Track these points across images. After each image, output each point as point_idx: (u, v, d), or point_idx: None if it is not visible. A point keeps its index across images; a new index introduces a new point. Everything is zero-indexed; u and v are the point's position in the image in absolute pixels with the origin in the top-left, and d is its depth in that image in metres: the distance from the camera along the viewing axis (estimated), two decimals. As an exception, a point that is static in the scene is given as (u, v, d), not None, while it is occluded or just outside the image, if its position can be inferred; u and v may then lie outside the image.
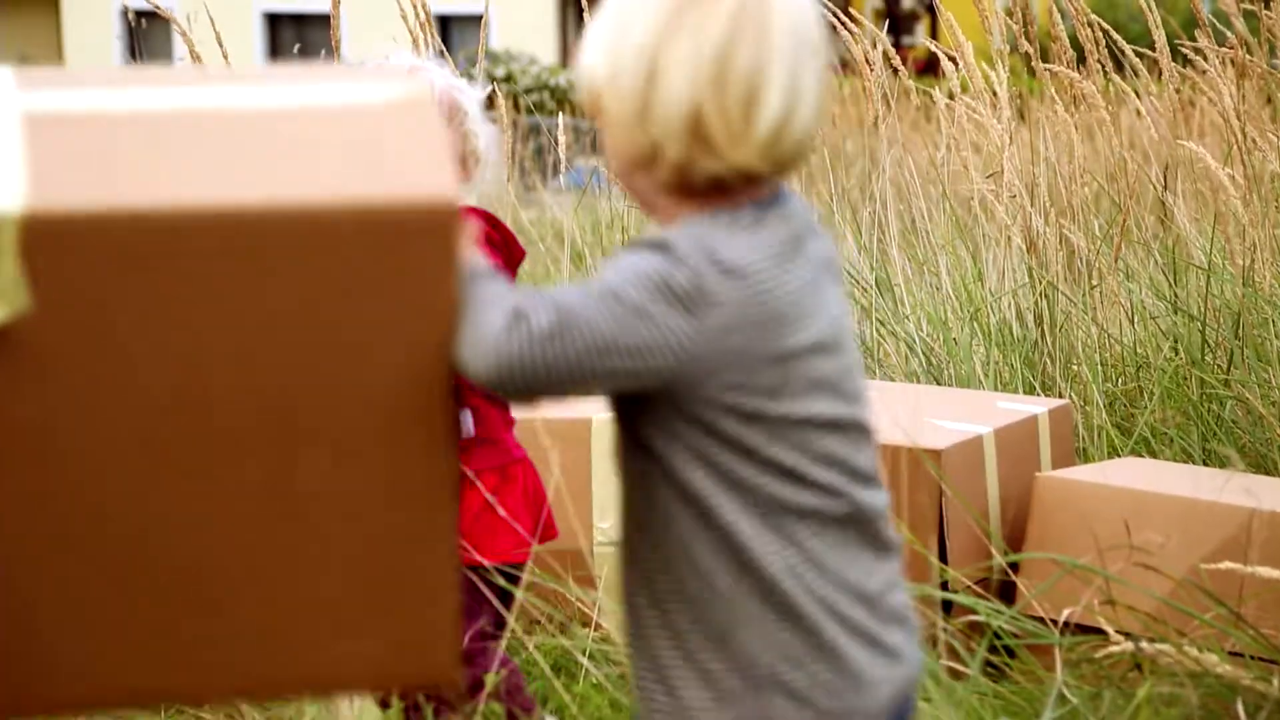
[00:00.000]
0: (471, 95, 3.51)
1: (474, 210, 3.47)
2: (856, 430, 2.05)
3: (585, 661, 4.09)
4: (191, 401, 1.87)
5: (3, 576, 1.86)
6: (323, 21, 31.59)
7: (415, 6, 5.71)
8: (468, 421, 3.46)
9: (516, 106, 13.03)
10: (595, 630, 4.18)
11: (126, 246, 1.83)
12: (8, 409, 1.83)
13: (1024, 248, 5.66)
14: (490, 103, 4.92)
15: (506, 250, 3.51)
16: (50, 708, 1.93)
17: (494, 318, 1.86)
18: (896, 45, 33.06)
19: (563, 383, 1.86)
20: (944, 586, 3.91)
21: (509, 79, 30.16)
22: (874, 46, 6.12)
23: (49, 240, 1.82)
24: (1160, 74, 6.25)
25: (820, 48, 2.00)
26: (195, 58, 5.66)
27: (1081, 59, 5.86)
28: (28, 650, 1.88)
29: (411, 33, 5.71)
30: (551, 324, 1.84)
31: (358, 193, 1.88)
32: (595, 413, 4.50)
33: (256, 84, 2.08)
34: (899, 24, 36.58)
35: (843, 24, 6.25)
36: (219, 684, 1.96)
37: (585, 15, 5.83)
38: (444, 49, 5.90)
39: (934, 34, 30.75)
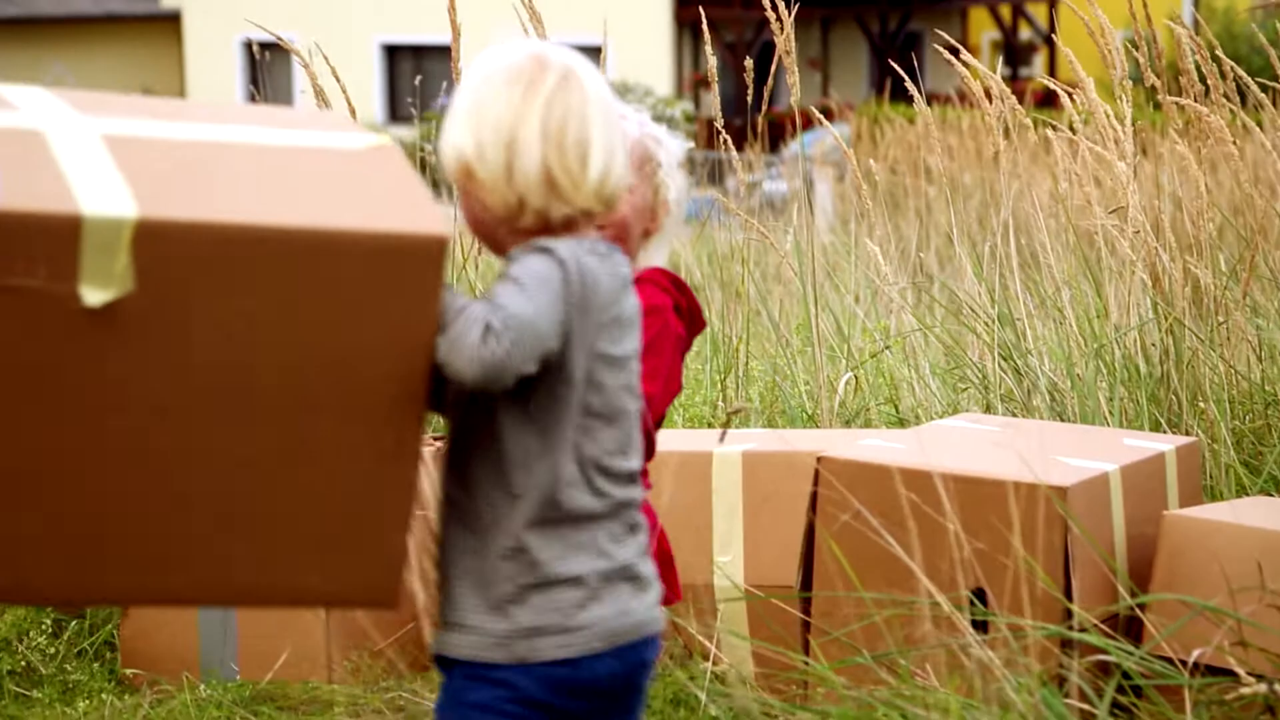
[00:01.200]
0: (670, 146, 3.49)
1: (663, 274, 3.45)
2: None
3: (703, 696, 4.07)
4: (233, 368, 2.48)
5: (83, 487, 2.45)
6: (440, 53, 31.84)
7: (539, 37, 5.73)
8: None
9: (633, 138, 13.01)
10: (713, 664, 4.15)
11: (201, 248, 2.45)
12: (103, 362, 2.43)
13: (1149, 283, 5.59)
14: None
15: (690, 320, 3.49)
16: (104, 597, 2.69)
17: (470, 330, 2.48)
18: (1014, 77, 32.94)
19: (521, 368, 2.50)
20: (1069, 626, 3.85)
21: (624, 111, 30.25)
22: (993, 78, 6.07)
23: (151, 240, 2.43)
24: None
25: (616, 110, 2.70)
26: (317, 91, 5.70)
27: (1205, 91, 5.79)
28: (93, 548, 2.48)
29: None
30: (510, 332, 2.48)
31: (374, 223, 2.53)
32: (715, 447, 4.48)
33: (268, 124, 2.73)
34: (1016, 56, 36.42)
35: (959, 57, 6.20)
36: (216, 588, 2.58)
37: (702, 46, 5.84)
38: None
39: (1052, 66, 30.58)
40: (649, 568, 2.66)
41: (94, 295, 2.43)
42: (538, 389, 2.55)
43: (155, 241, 2.43)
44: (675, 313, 3.43)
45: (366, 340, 2.51)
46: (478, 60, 2.71)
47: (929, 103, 6.72)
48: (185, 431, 2.48)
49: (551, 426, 2.58)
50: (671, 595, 3.56)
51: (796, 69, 5.50)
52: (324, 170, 2.63)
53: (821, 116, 6.05)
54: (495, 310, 2.48)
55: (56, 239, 2.40)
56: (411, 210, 2.57)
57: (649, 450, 3.46)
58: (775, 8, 5.56)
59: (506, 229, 2.63)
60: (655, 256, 3.46)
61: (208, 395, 2.48)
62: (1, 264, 2.37)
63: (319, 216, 2.53)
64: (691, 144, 3.70)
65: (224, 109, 2.78)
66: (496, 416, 2.57)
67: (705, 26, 6.06)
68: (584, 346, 2.57)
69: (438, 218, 2.54)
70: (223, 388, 2.48)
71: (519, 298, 2.50)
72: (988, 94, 6.05)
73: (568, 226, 2.63)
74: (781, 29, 5.50)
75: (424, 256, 2.51)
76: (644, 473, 3.52)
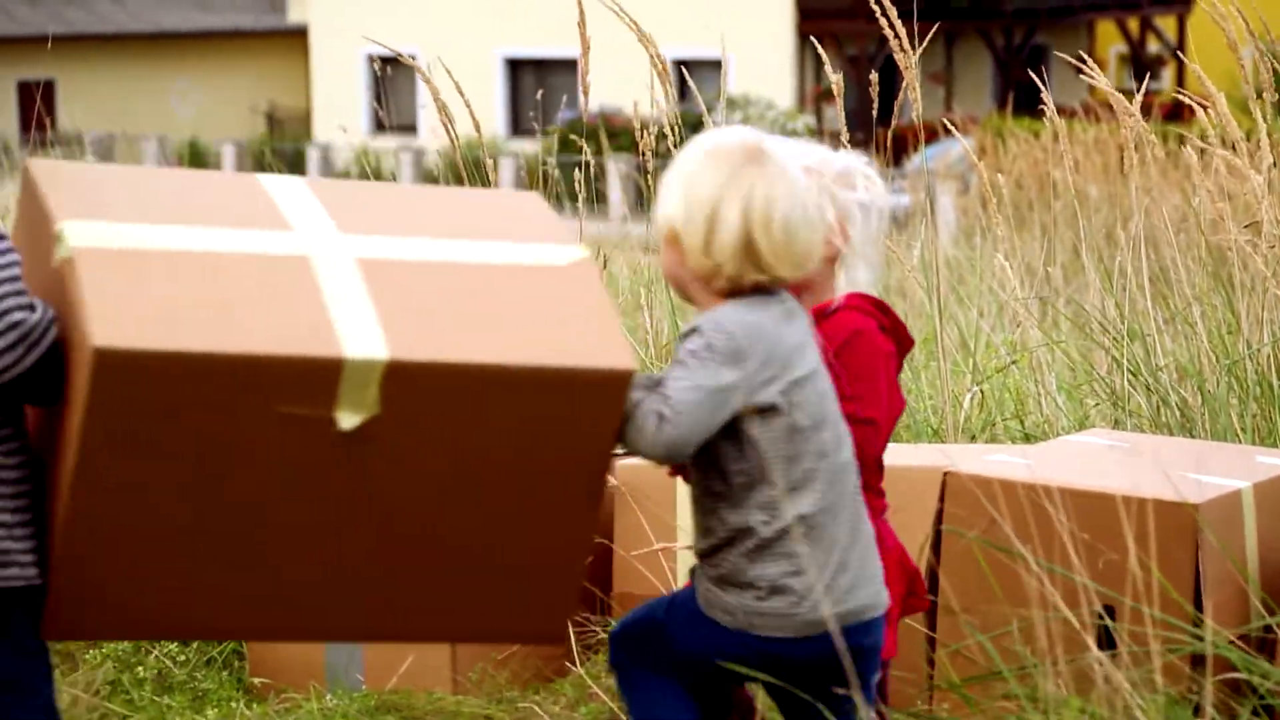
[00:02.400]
0: (849, 170, 3.55)
1: (862, 298, 3.50)
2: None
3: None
4: (452, 470, 3.10)
5: (324, 558, 3.08)
6: (564, 66, 31.95)
7: (654, 54, 5.72)
8: None
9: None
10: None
11: (435, 382, 3.05)
12: (350, 467, 3.04)
13: (1282, 297, 5.51)
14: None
15: (896, 336, 3.54)
16: (330, 637, 3.76)
17: (646, 423, 3.06)
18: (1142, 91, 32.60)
19: (691, 442, 3.06)
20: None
21: (746, 123, 30.26)
22: (1115, 95, 6.00)
23: (397, 377, 3.01)
24: None
25: (808, 181, 3.20)
26: (440, 105, 5.72)
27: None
28: (330, 600, 3.12)
29: (654, 80, 5.73)
30: (679, 415, 3.03)
31: (575, 359, 3.09)
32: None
33: (487, 234, 3.29)
34: (1144, 68, 36.08)
35: (1086, 69, 6.14)
36: (419, 630, 3.36)
37: (823, 60, 5.81)
38: (680, 94, 5.91)
39: (1181, 79, 30.25)
40: None
41: (348, 420, 3.01)
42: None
43: (400, 377, 3.01)
44: (883, 332, 3.49)
45: (560, 445, 3.11)
46: (697, 140, 3.20)
47: (1059, 115, 6.66)
48: (407, 515, 3.09)
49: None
50: (919, 603, 3.64)
51: (918, 83, 5.46)
52: (532, 293, 3.19)
53: (951, 127, 6.00)
54: (664, 400, 3.04)
55: (323, 378, 2.98)
56: (605, 340, 3.13)
57: (880, 470, 3.54)
58: (893, 24, 5.53)
59: (700, 285, 3.15)
60: (856, 281, 3.52)
61: (429, 490, 3.09)
62: (280, 395, 2.96)
63: (529, 352, 3.09)
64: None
65: (446, 205, 3.48)
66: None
67: (823, 40, 6.03)
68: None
69: (624, 347, 3.13)
70: (442, 484, 3.10)
71: (683, 381, 3.05)
72: (1113, 107, 5.99)
73: (756, 289, 3.11)
74: (900, 44, 5.47)
75: (614, 386, 3.09)
76: (881, 492, 3.51)
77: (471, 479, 3.10)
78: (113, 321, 2.89)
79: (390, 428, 3.03)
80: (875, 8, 5.51)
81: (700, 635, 3.19)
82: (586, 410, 3.08)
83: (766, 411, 3.08)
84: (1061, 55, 7.05)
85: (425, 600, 3.16)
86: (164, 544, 3.00)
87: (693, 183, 3.12)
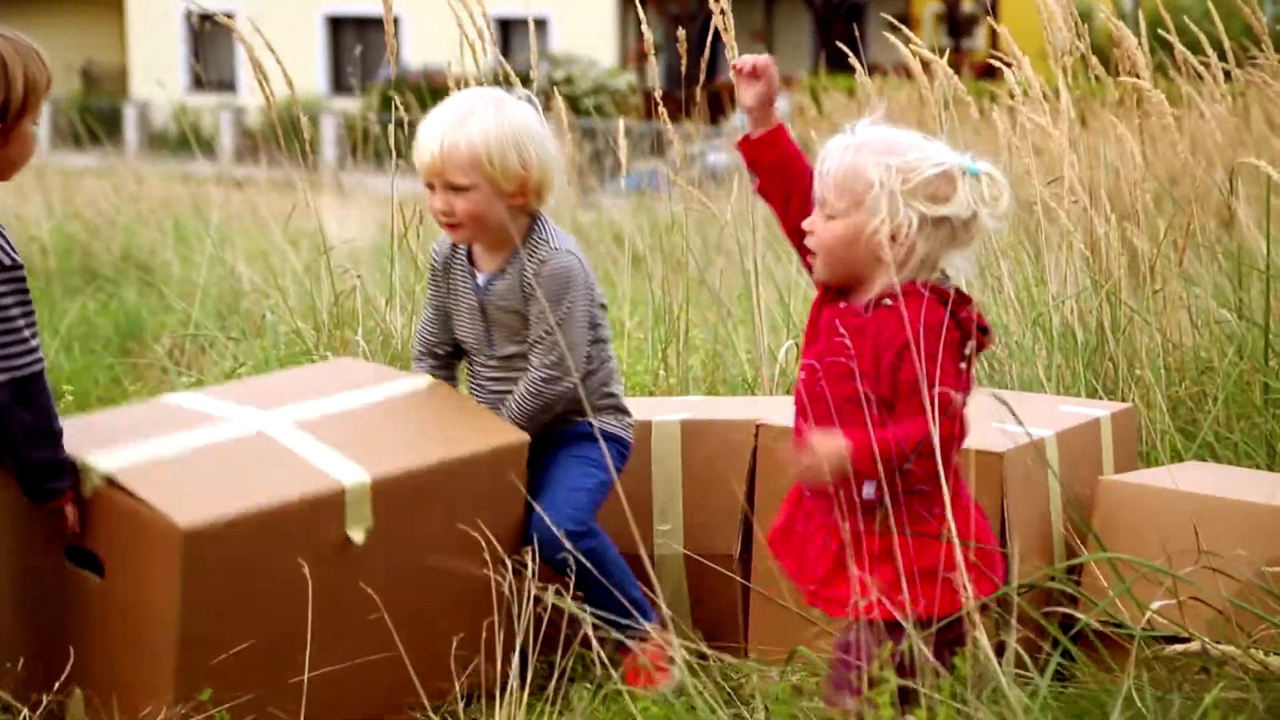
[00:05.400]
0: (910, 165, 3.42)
1: (915, 285, 3.39)
2: None
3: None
4: (424, 548, 4.02)
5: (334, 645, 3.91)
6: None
7: (471, 13, 5.72)
8: (868, 487, 3.37)
9: (575, 110, 13.03)
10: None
11: (404, 486, 3.98)
12: (358, 569, 3.92)
13: (1087, 252, 5.64)
14: (548, 105, 4.91)
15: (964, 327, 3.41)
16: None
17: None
18: (956, 49, 32.97)
19: None
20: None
21: (569, 81, 30.17)
22: (933, 52, 6.09)
23: (378, 491, 3.93)
24: (1225, 77, 6.22)
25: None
26: (255, 64, 5.68)
27: (1148, 64, 5.82)
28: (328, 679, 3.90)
29: (468, 39, 5.73)
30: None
31: (489, 442, 4.12)
32: (654, 416, 4.50)
33: (347, 390, 4.23)
34: (959, 28, 36.49)
35: (899, 31, 6.23)
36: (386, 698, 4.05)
37: (643, 19, 5.84)
38: (503, 53, 5.91)
39: (995, 37, 30.63)
40: None
41: (357, 535, 3.90)
42: None
43: (382, 490, 3.93)
44: (957, 323, 3.37)
45: (496, 506, 4.08)
46: None
47: (872, 74, 6.75)
48: (394, 591, 3.94)
49: None
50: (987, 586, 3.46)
51: (735, 42, 5.52)
52: (424, 412, 4.22)
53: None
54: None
55: (334, 505, 3.88)
56: (492, 425, 4.17)
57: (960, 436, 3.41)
58: (712, -17, 5.56)
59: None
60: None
61: (408, 569, 3.98)
62: (313, 527, 3.84)
63: (461, 446, 4.08)
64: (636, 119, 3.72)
65: (307, 378, 4.48)
66: None
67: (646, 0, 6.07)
68: None
69: (508, 427, 4.17)
70: (416, 563, 4.00)
71: None
72: (927, 67, 6.08)
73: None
74: (718, 4, 5.51)
75: (519, 453, 4.13)
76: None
77: (437, 549, 3.98)
78: (180, 509, 3.71)
79: (381, 533, 3.92)
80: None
81: None
82: (502, 476, 4.06)
83: None
84: (883, 15, 7.13)
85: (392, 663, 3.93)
86: (237, 657, 3.78)
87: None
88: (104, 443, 3.92)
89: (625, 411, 4.35)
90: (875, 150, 3.38)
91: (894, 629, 3.30)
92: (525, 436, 4.12)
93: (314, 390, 4.21)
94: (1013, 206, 3.48)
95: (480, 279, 4.28)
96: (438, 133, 4.16)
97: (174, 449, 3.94)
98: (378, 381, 4.27)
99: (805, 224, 3.47)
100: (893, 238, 3.35)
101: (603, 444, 4.16)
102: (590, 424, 4.22)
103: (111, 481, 3.79)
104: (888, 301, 3.37)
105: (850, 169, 3.37)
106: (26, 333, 3.71)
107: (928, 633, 3.28)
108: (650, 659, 4.01)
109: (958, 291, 3.42)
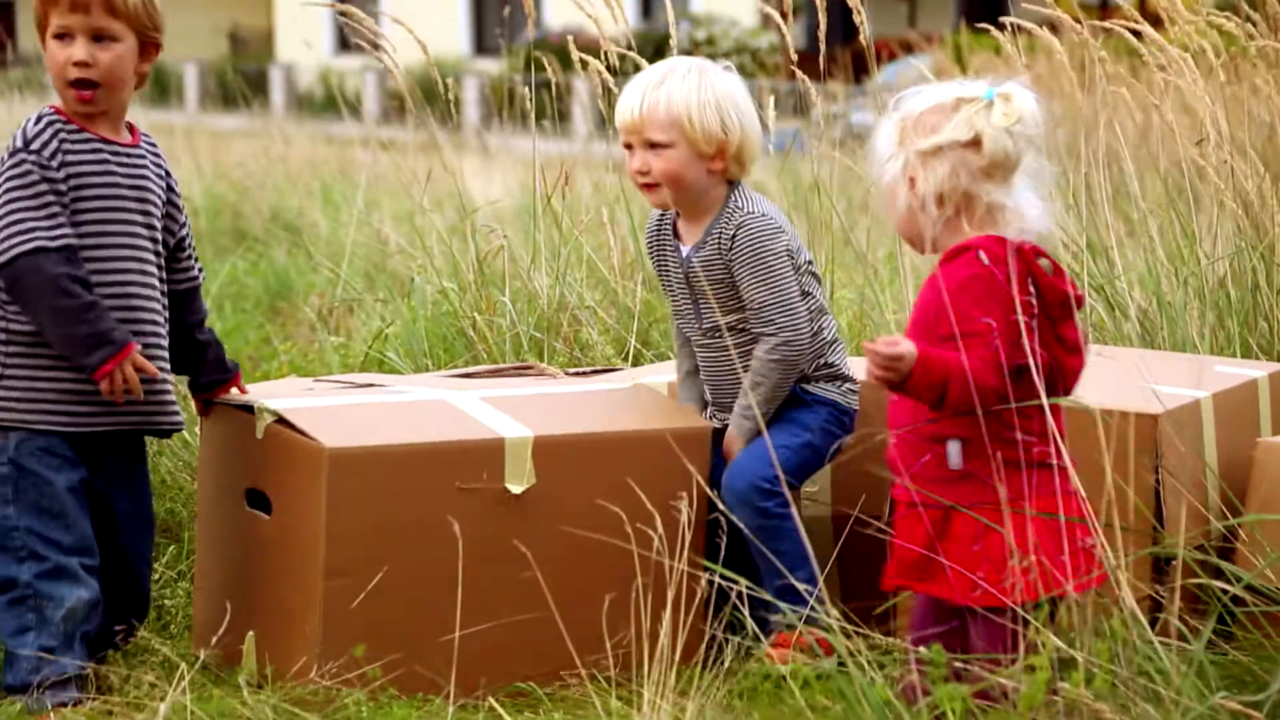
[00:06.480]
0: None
1: (998, 243, 3.37)
2: None
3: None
4: (583, 516, 4.02)
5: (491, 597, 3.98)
6: (525, -13, 31.74)
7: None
8: (954, 454, 3.40)
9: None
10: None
11: (572, 450, 4.08)
12: (518, 524, 3.99)
13: (1239, 210, 5.54)
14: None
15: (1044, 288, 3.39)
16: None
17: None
18: (1104, 4, 32.54)
19: None
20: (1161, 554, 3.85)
21: (710, 42, 30.11)
22: (1083, 9, 6.00)
23: (542, 449, 4.02)
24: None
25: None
26: (378, 36, 5.69)
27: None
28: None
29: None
30: None
31: (659, 424, 4.19)
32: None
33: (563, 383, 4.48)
34: (1106, -16, 35.96)
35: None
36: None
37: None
38: (644, 14, 5.89)
39: (1142, -6, 30.15)
40: None
41: (516, 488, 3.98)
42: None
43: (545, 450, 4.00)
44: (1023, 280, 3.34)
45: (667, 487, 3.96)
46: None
47: (1017, 33, 6.66)
48: (550, 551, 3.98)
49: None
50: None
51: (860, 4, 5.47)
52: (617, 399, 4.34)
53: (899, 49, 5.99)
54: None
55: (492, 455, 3.96)
56: (678, 414, 4.28)
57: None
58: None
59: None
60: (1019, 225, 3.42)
61: (566, 533, 3.99)
62: (466, 474, 3.93)
63: (633, 422, 4.18)
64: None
65: (506, 381, 4.47)
66: None
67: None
68: None
69: (694, 416, 4.27)
70: (575, 526, 3.98)
71: None
72: (1077, 20, 5.99)
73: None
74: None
75: (698, 439, 4.15)
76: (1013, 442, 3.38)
77: (595, 522, 3.95)
78: (332, 436, 3.86)
79: (543, 493, 3.99)
80: (836, -75, 5.51)
81: None
82: (679, 461, 3.97)
83: None
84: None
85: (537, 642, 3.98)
86: (385, 599, 3.86)
87: None
88: (287, 394, 4.14)
89: (845, 378, 4.27)
90: (892, 115, 3.49)
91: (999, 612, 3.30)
92: (707, 425, 4.17)
93: (523, 383, 4.41)
94: (1037, 113, 3.46)
95: (685, 250, 4.26)
96: (639, 92, 4.16)
97: (352, 401, 4.13)
98: (592, 382, 4.50)
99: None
100: (912, 184, 3.43)
101: (816, 410, 4.18)
102: (802, 389, 4.21)
103: (280, 419, 3.96)
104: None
105: (877, 139, 3.50)
106: (24, 215, 3.74)
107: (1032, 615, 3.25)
108: (799, 644, 3.93)
109: (1033, 248, 3.40)
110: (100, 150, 3.86)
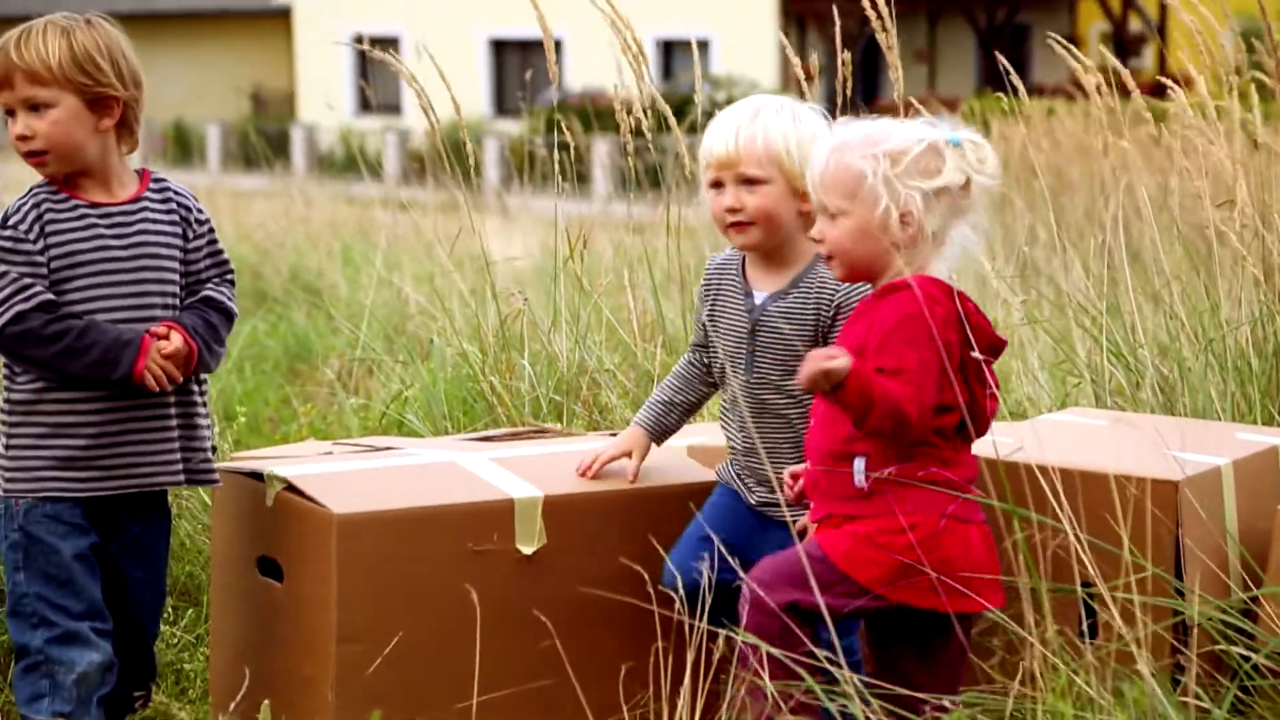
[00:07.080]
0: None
1: (935, 284, 3.49)
2: None
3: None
4: (586, 576, 4.04)
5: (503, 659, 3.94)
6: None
7: (629, 37, 5.71)
8: (859, 472, 3.49)
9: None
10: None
11: (579, 510, 4.05)
12: (528, 584, 3.98)
13: (1260, 277, 5.53)
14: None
15: (964, 328, 3.48)
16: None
17: None
18: (1125, 66, 32.57)
19: None
20: (1183, 622, 3.82)
21: (730, 103, 30.12)
22: (1101, 71, 6.01)
23: (552, 509, 4.01)
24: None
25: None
26: (416, 90, 5.71)
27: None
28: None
29: (631, 61, 5.73)
30: None
31: (671, 480, 4.19)
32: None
33: (534, 446, 4.42)
34: (1126, 47, 36.07)
35: (1067, 49, 6.15)
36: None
37: (806, 37, 5.80)
38: (665, 75, 5.90)
39: (1163, 58, 30.24)
40: None
41: (526, 548, 3.97)
42: None
43: (555, 509, 4.00)
44: (957, 321, 3.45)
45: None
46: None
47: (1035, 95, 6.67)
48: (566, 613, 3.98)
49: None
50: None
51: (899, 62, 5.48)
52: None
53: (920, 107, 6.00)
54: None
55: (502, 516, 3.95)
56: (690, 468, 4.25)
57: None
58: (875, 3, 5.54)
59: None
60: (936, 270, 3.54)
61: (581, 593, 3.98)
62: (476, 536, 3.91)
63: (653, 480, 4.14)
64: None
65: (521, 443, 4.46)
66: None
67: (808, 20, 6.04)
68: None
69: (703, 470, 4.21)
70: (589, 587, 3.99)
71: None
72: (1097, 87, 6.00)
73: None
74: (881, 23, 5.48)
75: (699, 493, 4.10)
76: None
77: (600, 578, 3.97)
78: (340, 502, 3.85)
79: (556, 554, 3.98)
80: (858, -13, 5.52)
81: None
82: (692, 515, 3.99)
83: None
84: (1052, 36, 7.05)
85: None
86: (398, 664, 3.88)
87: None
88: (301, 459, 4.17)
89: None
90: (856, 144, 3.53)
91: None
92: (711, 476, 4.13)
93: (532, 445, 4.42)
94: (999, 166, 3.61)
95: (759, 297, 3.98)
96: (733, 126, 3.94)
97: (361, 466, 4.15)
98: (589, 441, 4.46)
99: (813, 233, 3.61)
100: (903, 221, 3.49)
101: None
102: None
103: (290, 486, 3.97)
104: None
105: (839, 168, 3.53)
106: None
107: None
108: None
109: (960, 292, 3.53)
110: (87, 215, 3.82)
